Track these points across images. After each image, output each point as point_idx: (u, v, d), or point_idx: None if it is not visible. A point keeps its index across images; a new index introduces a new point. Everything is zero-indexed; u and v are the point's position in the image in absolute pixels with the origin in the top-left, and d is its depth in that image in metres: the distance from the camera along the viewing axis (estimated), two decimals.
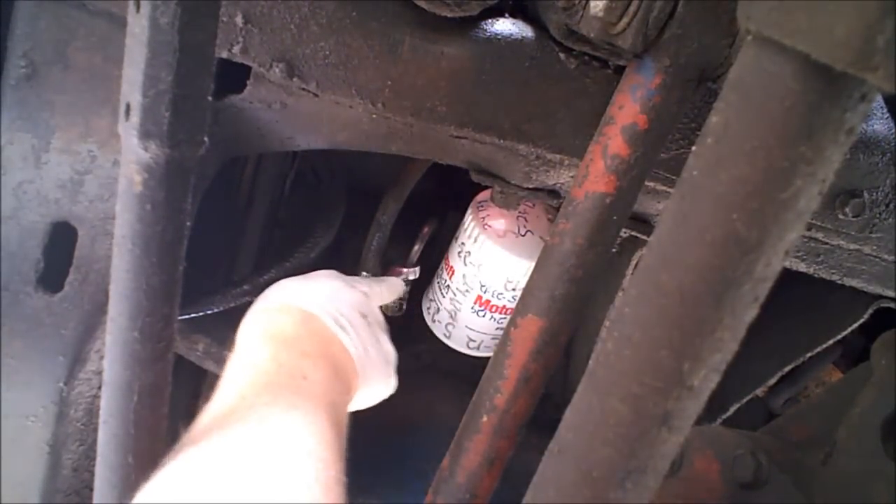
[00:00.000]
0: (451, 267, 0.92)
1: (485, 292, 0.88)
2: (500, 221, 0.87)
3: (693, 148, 0.29)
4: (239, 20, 0.56)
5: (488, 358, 0.59)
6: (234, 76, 0.60)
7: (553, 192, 0.72)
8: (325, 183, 0.99)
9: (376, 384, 0.68)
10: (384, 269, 1.05)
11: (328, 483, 0.45)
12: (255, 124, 0.65)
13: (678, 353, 0.28)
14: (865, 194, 0.64)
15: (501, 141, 0.62)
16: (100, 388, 0.58)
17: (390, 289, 0.83)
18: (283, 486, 0.42)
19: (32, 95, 0.62)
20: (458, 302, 0.90)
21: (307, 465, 0.45)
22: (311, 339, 0.61)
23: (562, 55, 0.59)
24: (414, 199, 0.97)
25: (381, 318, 0.73)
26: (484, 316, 0.89)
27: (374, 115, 0.62)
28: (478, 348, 0.92)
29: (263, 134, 0.66)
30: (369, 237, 1.00)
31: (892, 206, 0.65)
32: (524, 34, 0.59)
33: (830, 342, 0.88)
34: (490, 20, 0.59)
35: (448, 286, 0.91)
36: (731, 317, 0.28)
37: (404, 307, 1.03)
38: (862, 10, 0.22)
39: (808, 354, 0.91)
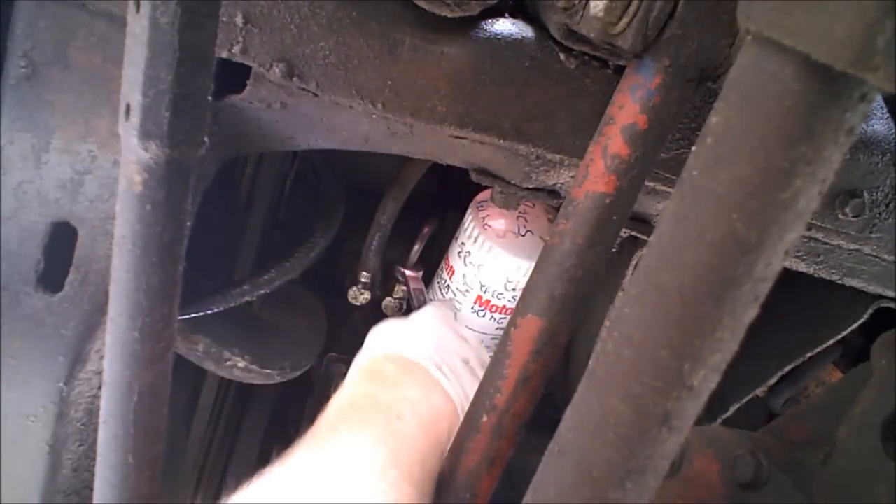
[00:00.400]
0: (451, 267, 0.92)
1: (485, 292, 0.88)
2: (500, 221, 0.87)
3: (693, 148, 0.29)
4: (239, 20, 0.56)
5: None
6: (234, 76, 0.60)
7: (553, 192, 0.72)
8: (325, 183, 0.99)
9: None
10: (384, 269, 1.05)
11: None
12: (255, 124, 0.65)
13: (678, 353, 0.28)
14: (865, 194, 0.64)
15: (501, 141, 0.62)
16: (100, 388, 0.58)
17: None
18: None
19: (32, 95, 0.62)
20: (458, 302, 0.90)
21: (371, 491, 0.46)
22: (412, 384, 0.61)
23: (562, 55, 0.59)
24: (414, 199, 0.97)
25: (485, 359, 0.73)
26: (484, 316, 0.89)
27: (374, 115, 0.62)
28: None
29: (264, 134, 0.66)
30: (369, 237, 1.00)
31: (892, 206, 0.65)
32: (524, 34, 0.59)
33: (830, 342, 0.88)
34: (490, 20, 0.59)
35: (448, 286, 0.91)
36: (731, 317, 0.28)
37: (405, 307, 1.03)
38: (862, 10, 0.22)
39: (808, 354, 0.91)
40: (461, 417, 0.63)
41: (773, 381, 0.96)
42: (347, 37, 0.57)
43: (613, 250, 0.83)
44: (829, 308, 0.88)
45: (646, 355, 0.29)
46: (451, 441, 0.57)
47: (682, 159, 0.62)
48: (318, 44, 0.57)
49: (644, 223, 0.76)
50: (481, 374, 0.69)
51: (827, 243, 0.70)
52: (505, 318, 0.90)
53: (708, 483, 0.57)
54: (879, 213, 0.65)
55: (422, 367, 0.64)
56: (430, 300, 0.96)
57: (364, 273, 1.03)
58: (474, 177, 0.71)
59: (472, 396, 0.64)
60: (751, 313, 0.28)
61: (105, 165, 0.64)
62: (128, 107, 0.43)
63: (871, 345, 0.61)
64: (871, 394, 0.55)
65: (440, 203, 1.12)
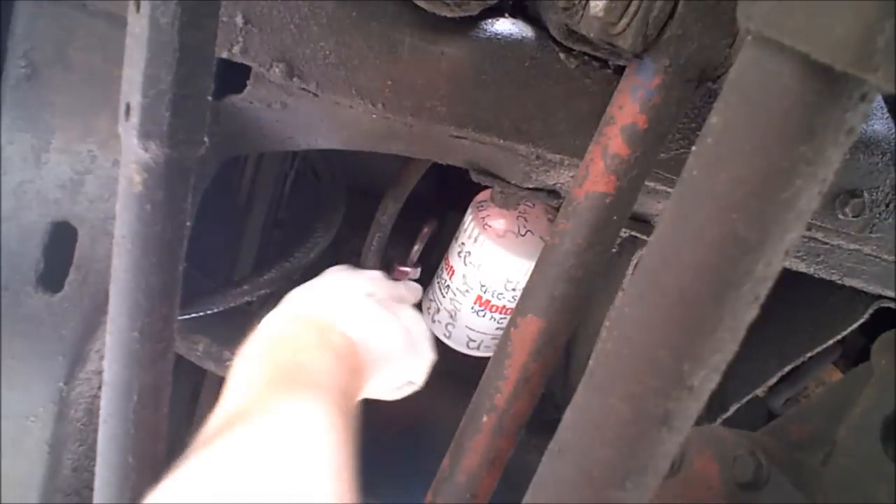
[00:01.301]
0: (451, 267, 0.92)
1: (485, 292, 0.88)
2: (500, 221, 0.87)
3: (693, 148, 0.29)
4: (239, 20, 0.56)
5: (488, 358, 0.59)
6: (234, 76, 0.60)
7: (553, 192, 0.71)
8: (325, 183, 0.99)
9: (400, 360, 0.67)
10: (385, 268, 1.05)
11: (335, 471, 0.45)
12: (255, 124, 0.65)
13: (678, 353, 0.28)
14: (865, 194, 0.64)
15: (501, 141, 0.62)
16: (100, 388, 0.58)
17: (408, 287, 0.83)
18: (290, 477, 0.42)
19: (32, 95, 0.62)
20: (458, 302, 0.90)
21: (311, 456, 0.45)
22: (306, 332, 0.60)
23: (562, 55, 0.59)
24: (414, 199, 0.97)
25: (398, 293, 0.73)
26: (484, 316, 0.89)
27: (374, 115, 0.62)
28: (478, 348, 0.92)
29: (264, 134, 0.66)
30: (369, 237, 1.00)
31: (892, 206, 0.65)
32: (524, 34, 0.59)
33: (830, 342, 0.88)
34: (490, 20, 0.59)
35: (448, 286, 0.91)
36: (731, 317, 0.28)
37: None
38: (862, 11, 0.22)
39: (808, 354, 0.91)
40: (364, 349, 0.63)
41: (773, 381, 0.96)
42: (347, 37, 0.57)
43: (613, 250, 0.83)
44: (829, 308, 0.88)
45: (646, 355, 0.29)
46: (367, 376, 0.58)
47: (682, 159, 0.62)
48: (318, 44, 0.57)
49: (644, 223, 0.76)
50: (394, 305, 0.69)
51: (827, 243, 0.70)
52: (505, 318, 0.90)
53: (708, 483, 0.57)
54: (879, 213, 0.65)
55: (312, 310, 0.63)
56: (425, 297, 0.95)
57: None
58: (474, 177, 0.71)
59: (379, 327, 0.65)
60: (751, 313, 0.28)
61: (105, 165, 0.64)
62: (128, 107, 0.43)
63: (871, 345, 0.61)
64: (871, 394, 0.55)
65: (440, 203, 1.12)
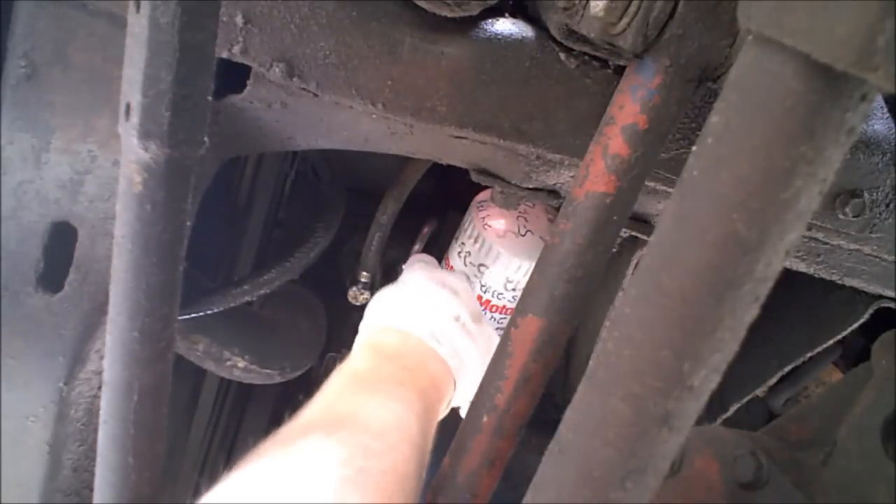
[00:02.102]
0: (451, 267, 0.92)
1: (485, 292, 0.88)
2: (500, 221, 0.87)
3: (693, 148, 0.29)
4: (239, 20, 0.56)
5: None
6: (234, 76, 0.60)
7: (553, 192, 0.71)
8: (325, 183, 0.99)
9: (475, 376, 0.71)
10: (384, 269, 1.05)
11: (403, 473, 0.50)
12: (255, 124, 0.65)
13: (679, 353, 0.28)
14: (866, 194, 0.64)
15: (501, 141, 0.62)
16: (100, 388, 0.58)
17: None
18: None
19: (32, 95, 0.62)
20: None
21: (384, 457, 0.49)
22: (410, 354, 0.67)
23: (562, 55, 0.59)
24: (414, 199, 0.97)
25: (474, 307, 0.77)
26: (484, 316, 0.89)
27: (374, 115, 0.62)
28: None
29: (264, 134, 0.66)
30: (369, 237, 1.00)
31: (892, 206, 0.65)
32: (524, 34, 0.59)
33: (830, 342, 0.88)
34: (490, 20, 0.59)
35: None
36: (731, 317, 0.28)
37: None
38: (862, 10, 0.22)
39: (808, 354, 0.91)
40: (455, 377, 0.69)
41: (773, 381, 0.96)
42: (347, 37, 0.57)
43: (614, 250, 0.83)
44: (829, 308, 0.88)
45: (646, 355, 0.29)
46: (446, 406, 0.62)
47: (682, 159, 0.62)
48: (318, 44, 0.57)
49: (644, 223, 0.76)
50: (472, 326, 0.72)
51: (827, 243, 0.70)
52: (505, 318, 0.90)
53: (708, 483, 0.57)
54: (880, 213, 0.65)
55: (417, 337, 0.69)
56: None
57: (364, 273, 1.03)
58: (474, 177, 0.71)
59: (464, 356, 0.70)
60: (751, 313, 0.28)
61: (105, 165, 0.64)
62: (128, 107, 0.43)
63: (871, 345, 0.61)
64: (871, 394, 0.55)
65: (440, 203, 1.12)
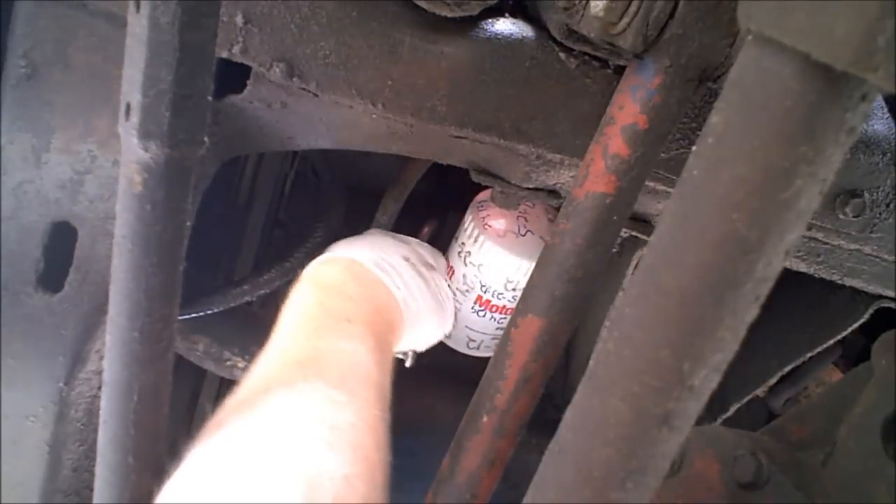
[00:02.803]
0: (451, 267, 0.92)
1: (485, 292, 0.88)
2: (500, 221, 0.87)
3: (693, 148, 0.29)
4: (239, 20, 0.56)
5: (488, 358, 0.59)
6: (234, 76, 0.60)
7: (553, 192, 0.71)
8: (325, 183, 0.99)
9: (427, 323, 0.71)
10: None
11: (371, 422, 0.48)
12: (255, 124, 0.65)
13: (679, 352, 0.28)
14: (866, 194, 0.64)
15: (501, 141, 0.62)
16: (100, 388, 0.58)
17: (432, 251, 0.86)
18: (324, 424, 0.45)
19: (32, 95, 0.62)
20: (458, 302, 0.90)
21: (350, 407, 0.48)
22: (354, 283, 0.64)
23: (562, 55, 0.59)
24: (414, 199, 0.97)
25: (432, 261, 0.77)
26: (484, 316, 0.89)
27: (374, 115, 0.62)
28: (478, 348, 0.92)
29: (264, 134, 0.66)
30: None
31: (892, 206, 0.65)
32: (524, 34, 0.59)
33: (830, 342, 0.88)
34: (490, 20, 0.59)
35: (448, 286, 0.91)
36: (731, 317, 0.28)
37: None
38: (862, 10, 0.22)
39: (808, 354, 0.91)
40: (404, 309, 0.67)
41: (773, 381, 0.96)
42: (347, 37, 0.57)
43: (614, 250, 0.83)
44: (829, 308, 0.88)
45: (646, 355, 0.29)
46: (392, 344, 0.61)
47: (682, 159, 0.62)
48: (319, 44, 0.57)
49: (644, 223, 0.76)
50: (423, 270, 0.72)
51: (827, 243, 0.70)
52: (505, 318, 0.90)
53: (708, 483, 0.57)
54: (880, 213, 0.65)
55: (361, 264, 0.67)
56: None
57: None
58: (474, 177, 0.71)
59: (414, 290, 0.69)
60: (751, 313, 0.28)
61: (105, 165, 0.64)
62: (128, 107, 0.43)
63: (871, 345, 0.61)
64: (871, 394, 0.55)
65: (440, 203, 1.12)
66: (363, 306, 0.62)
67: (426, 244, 0.83)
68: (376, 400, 0.52)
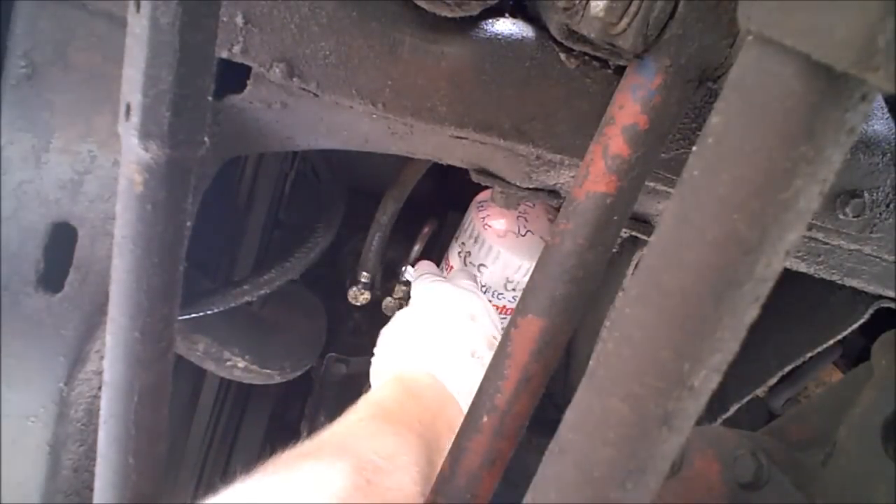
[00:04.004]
0: (451, 267, 0.92)
1: (485, 292, 0.88)
2: (500, 221, 0.87)
3: (693, 148, 0.29)
4: (239, 20, 0.56)
5: None
6: (234, 76, 0.60)
7: (553, 193, 0.71)
8: (325, 183, 0.99)
9: None
10: (384, 269, 1.05)
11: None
12: (255, 124, 0.65)
13: (679, 353, 0.28)
14: (866, 194, 0.64)
15: (501, 141, 0.62)
16: (100, 388, 0.58)
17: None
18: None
19: (32, 95, 0.62)
20: None
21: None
22: (433, 398, 0.68)
23: (562, 55, 0.59)
24: (414, 199, 0.97)
25: (489, 331, 0.77)
26: None
27: (374, 115, 0.62)
28: None
29: (264, 134, 0.66)
30: (369, 237, 1.00)
31: (892, 206, 0.65)
32: (524, 34, 0.59)
33: (830, 342, 0.88)
34: (490, 20, 0.59)
35: None
36: (731, 317, 0.28)
37: (405, 306, 1.03)
38: (863, 11, 0.22)
39: (808, 354, 0.91)
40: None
41: (773, 381, 0.96)
42: (347, 37, 0.57)
43: (614, 250, 0.83)
44: (829, 308, 0.88)
45: (646, 355, 0.29)
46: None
47: (682, 159, 0.62)
48: (319, 44, 0.57)
49: (644, 223, 0.76)
50: (487, 357, 0.72)
51: (827, 243, 0.70)
52: (505, 318, 0.90)
53: (708, 483, 0.57)
54: (880, 214, 0.65)
55: (440, 382, 0.70)
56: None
57: (364, 273, 1.03)
58: (474, 177, 0.71)
59: (474, 385, 0.68)
60: (751, 313, 0.28)
61: (105, 165, 0.64)
62: (128, 107, 0.43)
63: (871, 345, 0.61)
64: (871, 394, 0.55)
65: (440, 203, 1.12)
66: (438, 419, 0.66)
67: (484, 302, 0.84)
68: (420, 482, 0.54)
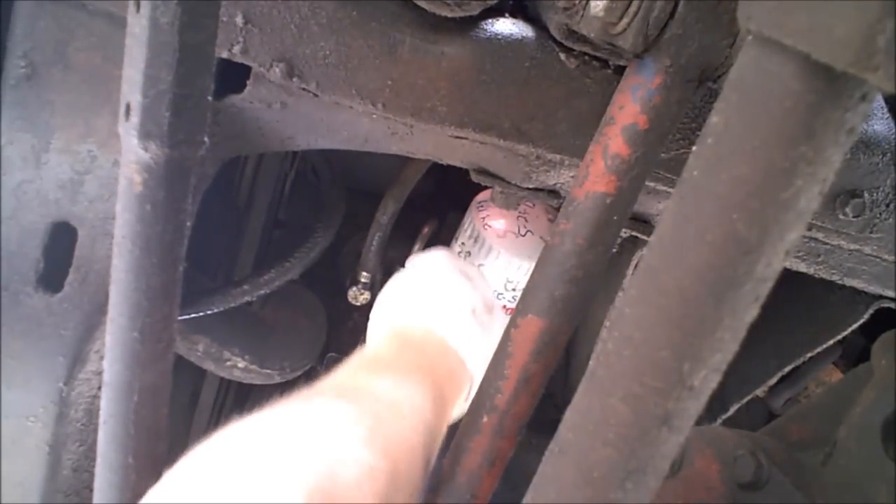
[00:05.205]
0: None
1: None
2: (500, 221, 0.87)
3: (693, 148, 0.29)
4: (239, 20, 0.56)
5: None
6: (234, 76, 0.60)
7: (553, 193, 0.71)
8: (325, 183, 0.99)
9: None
10: (384, 269, 1.05)
11: (412, 442, 0.49)
12: (255, 124, 0.65)
13: (679, 353, 0.28)
14: (866, 194, 0.64)
15: (501, 141, 0.62)
16: (100, 388, 0.58)
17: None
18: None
19: (32, 95, 0.62)
20: None
21: (394, 425, 0.49)
22: (432, 348, 0.67)
23: (562, 55, 0.59)
24: (414, 199, 0.97)
25: (487, 294, 0.77)
26: None
27: (374, 115, 0.62)
28: None
29: (263, 134, 0.66)
30: (369, 237, 1.00)
31: (892, 206, 0.65)
32: (524, 34, 0.59)
33: (830, 342, 0.88)
34: (490, 20, 0.59)
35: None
36: (731, 317, 0.28)
37: None
38: (862, 10, 0.22)
39: (808, 354, 0.91)
40: (472, 373, 0.69)
41: (773, 381, 0.96)
42: (347, 37, 0.57)
43: (614, 250, 0.83)
44: (829, 308, 0.88)
45: (646, 355, 0.29)
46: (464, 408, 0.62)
47: (682, 159, 0.62)
48: (318, 44, 0.57)
49: (644, 223, 0.76)
50: (485, 318, 0.73)
51: (827, 243, 0.70)
52: (505, 318, 0.90)
53: (708, 483, 0.57)
54: (880, 214, 0.65)
55: (439, 336, 0.69)
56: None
57: (364, 273, 1.03)
58: (474, 177, 0.71)
59: (477, 348, 0.70)
60: (751, 313, 0.28)
61: (105, 165, 0.64)
62: (128, 107, 0.43)
63: (871, 345, 0.61)
64: (871, 394, 0.55)
65: (440, 203, 1.12)
66: (437, 367, 0.65)
67: (482, 274, 0.84)
68: (424, 432, 0.53)
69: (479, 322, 0.72)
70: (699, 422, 0.32)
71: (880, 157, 0.63)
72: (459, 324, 0.70)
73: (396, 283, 0.77)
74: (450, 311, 0.71)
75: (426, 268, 0.77)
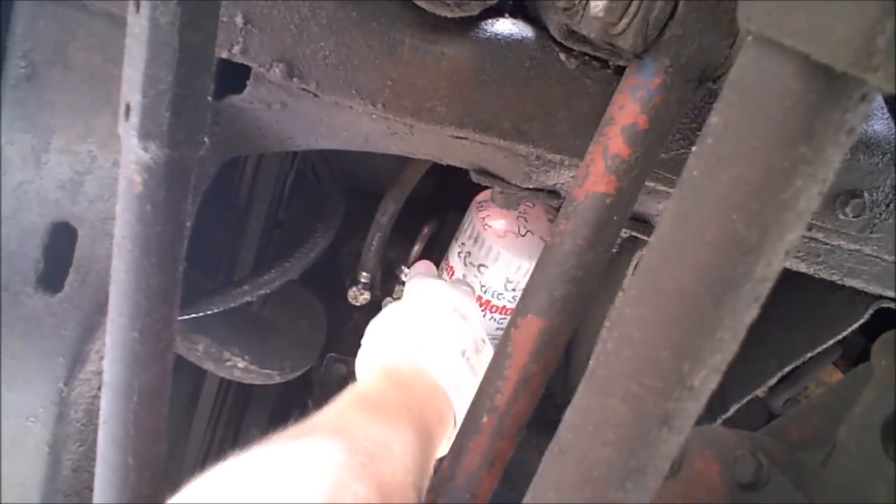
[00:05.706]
0: (451, 267, 0.92)
1: (485, 292, 0.88)
2: (500, 221, 0.87)
3: (693, 148, 0.29)
4: (239, 20, 0.56)
5: None
6: (234, 76, 0.60)
7: (553, 193, 0.71)
8: (325, 183, 0.99)
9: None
10: (384, 269, 1.05)
11: (401, 479, 0.49)
12: (255, 124, 0.65)
13: (678, 353, 0.28)
14: (866, 194, 0.64)
15: (501, 141, 0.62)
16: (100, 388, 0.58)
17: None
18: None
19: (32, 95, 0.62)
20: None
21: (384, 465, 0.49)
22: (421, 388, 0.67)
23: (562, 55, 0.59)
24: (414, 199, 0.97)
25: (478, 333, 0.77)
26: (484, 316, 0.89)
27: (374, 116, 0.62)
28: None
29: (263, 134, 0.66)
30: (369, 237, 1.00)
31: (892, 206, 0.65)
32: (524, 34, 0.59)
33: (830, 342, 0.88)
34: (490, 20, 0.59)
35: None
36: (731, 317, 0.28)
37: None
38: (862, 11, 0.22)
39: (808, 354, 0.91)
40: (456, 414, 0.69)
41: (773, 381, 0.96)
42: (347, 37, 0.57)
43: (614, 250, 0.83)
44: (829, 308, 0.88)
45: (646, 356, 0.29)
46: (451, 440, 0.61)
47: (682, 159, 0.62)
48: (318, 44, 0.57)
49: (644, 223, 0.76)
50: (475, 360, 0.73)
51: (827, 244, 0.70)
52: (505, 318, 0.90)
53: (708, 483, 0.57)
54: (880, 214, 0.65)
55: (430, 377, 0.69)
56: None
57: (364, 273, 1.03)
58: (474, 177, 0.71)
59: (463, 390, 0.70)
60: (751, 313, 0.28)
61: (105, 165, 0.64)
62: (128, 107, 0.43)
63: (871, 345, 0.61)
64: (871, 394, 0.55)
65: (440, 203, 1.12)
66: (426, 407, 0.65)
67: (476, 307, 0.83)
68: (414, 470, 0.53)
69: (469, 364, 0.72)
70: (699, 422, 0.32)
71: (880, 157, 0.63)
72: (450, 366, 0.71)
73: (391, 315, 0.77)
74: (442, 352, 0.71)
75: (421, 301, 0.77)
